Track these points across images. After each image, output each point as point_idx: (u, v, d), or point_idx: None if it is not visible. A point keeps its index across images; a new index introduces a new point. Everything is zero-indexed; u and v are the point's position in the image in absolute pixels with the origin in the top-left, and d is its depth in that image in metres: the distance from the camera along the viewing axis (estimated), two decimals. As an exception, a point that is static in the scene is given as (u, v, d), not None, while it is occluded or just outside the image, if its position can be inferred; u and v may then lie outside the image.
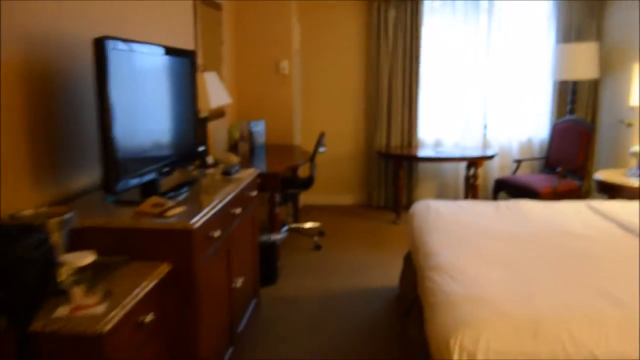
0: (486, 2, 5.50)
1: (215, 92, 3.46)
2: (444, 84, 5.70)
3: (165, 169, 2.39)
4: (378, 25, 5.53)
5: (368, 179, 5.92)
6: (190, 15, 3.83)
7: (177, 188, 2.43)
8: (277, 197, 4.01)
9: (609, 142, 5.35)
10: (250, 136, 4.70)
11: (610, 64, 5.32)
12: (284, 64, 5.17)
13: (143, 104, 2.21)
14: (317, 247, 4.55)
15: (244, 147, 4.69)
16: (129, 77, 2.07)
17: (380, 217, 5.48)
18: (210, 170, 2.95)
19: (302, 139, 5.78)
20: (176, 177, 2.69)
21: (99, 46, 1.85)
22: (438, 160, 5.37)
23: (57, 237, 1.69)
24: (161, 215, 1.93)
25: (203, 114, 3.38)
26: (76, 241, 1.84)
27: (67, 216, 1.71)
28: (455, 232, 2.82)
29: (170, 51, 2.47)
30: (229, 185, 2.61)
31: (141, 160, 2.18)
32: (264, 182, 3.59)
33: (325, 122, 5.81)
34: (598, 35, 5.43)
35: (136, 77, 2.14)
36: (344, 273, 3.99)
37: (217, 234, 2.22)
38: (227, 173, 2.82)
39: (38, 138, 2.03)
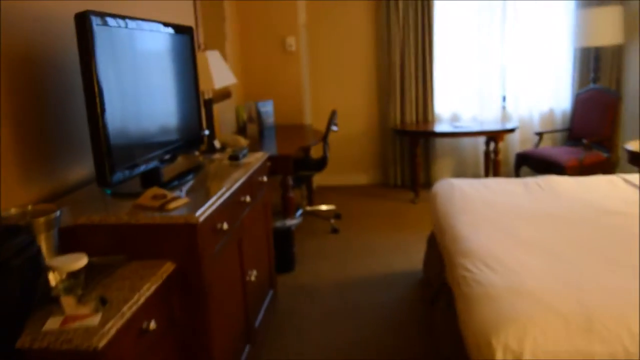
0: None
1: (219, 71, 3.24)
2: (459, 55, 5.41)
3: (167, 156, 2.19)
4: (388, -3, 5.24)
5: (383, 157, 5.68)
6: (189, -11, 3.59)
7: (181, 176, 2.23)
8: (290, 180, 3.81)
9: (636, 111, 5.05)
10: (258, 117, 4.50)
11: (636, 28, 4.98)
12: (291, 41, 4.92)
13: (138, 86, 1.99)
14: (334, 231, 4.35)
15: (252, 128, 4.49)
16: (120, 56, 1.85)
17: (397, 197, 5.26)
18: (217, 155, 2.76)
19: (312, 118, 5.54)
20: (180, 164, 2.49)
21: (82, 22, 1.64)
22: (456, 136, 5.11)
23: (45, 239, 1.51)
24: (162, 208, 1.73)
25: (207, 95, 3.17)
26: (69, 241, 1.66)
27: (55, 215, 1.52)
28: (484, 214, 2.60)
29: (166, 27, 2.24)
30: (237, 171, 2.41)
31: (139, 148, 1.97)
32: (275, 165, 3.40)
33: (336, 99, 5.57)
34: (622, -3, 5.10)
35: (128, 56, 1.92)
36: (363, 257, 3.80)
37: (225, 225, 2.02)
38: (234, 158, 2.62)
39: (25, 127, 1.83)
